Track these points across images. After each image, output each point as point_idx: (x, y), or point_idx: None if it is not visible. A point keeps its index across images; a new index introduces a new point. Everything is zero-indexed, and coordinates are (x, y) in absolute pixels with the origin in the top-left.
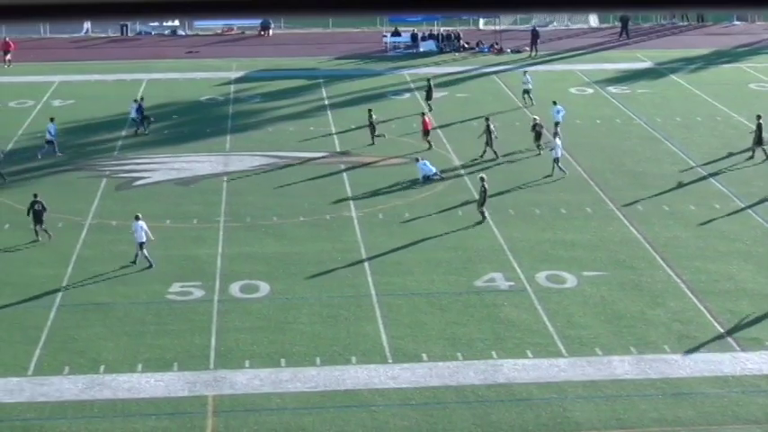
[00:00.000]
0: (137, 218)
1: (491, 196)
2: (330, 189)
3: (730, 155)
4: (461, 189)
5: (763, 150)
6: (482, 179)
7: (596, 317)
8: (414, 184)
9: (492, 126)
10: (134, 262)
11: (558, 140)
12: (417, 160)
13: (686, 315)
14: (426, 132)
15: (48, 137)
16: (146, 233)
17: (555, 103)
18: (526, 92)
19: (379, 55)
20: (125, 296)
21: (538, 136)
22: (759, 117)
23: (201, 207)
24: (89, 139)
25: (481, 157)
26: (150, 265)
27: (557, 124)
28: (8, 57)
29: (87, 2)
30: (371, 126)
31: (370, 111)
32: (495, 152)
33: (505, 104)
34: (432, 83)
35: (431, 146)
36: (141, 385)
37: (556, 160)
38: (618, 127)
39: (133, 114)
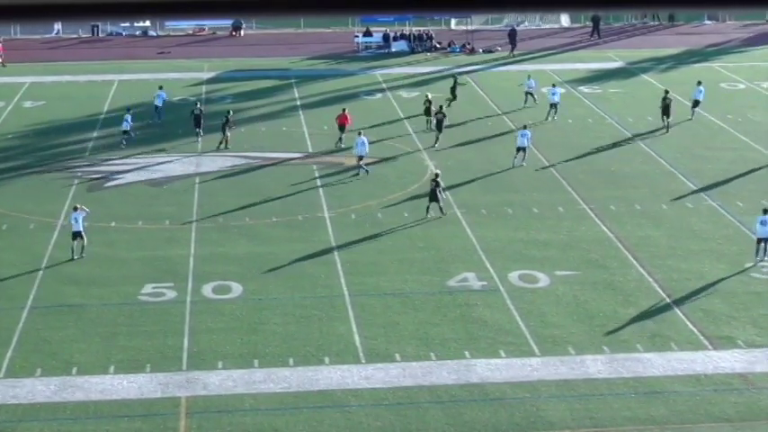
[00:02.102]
0: (75, 208)
1: (447, 193)
2: (303, 189)
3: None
4: None
5: (667, 123)
6: (436, 175)
7: (569, 316)
8: (387, 184)
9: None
10: (73, 257)
11: (527, 130)
12: (359, 134)
13: (658, 314)
14: (342, 127)
15: (156, 102)
16: (80, 221)
17: (554, 85)
18: (529, 94)
19: (351, 55)
20: (97, 297)
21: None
22: (667, 92)
23: (174, 208)
24: (60, 141)
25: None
26: (72, 258)
27: (552, 105)
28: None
29: (85, 2)
30: (225, 127)
31: (228, 112)
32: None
33: (478, 105)
34: (457, 79)
35: (339, 142)
36: (114, 387)
37: (521, 149)
38: (590, 126)
39: (158, 102)
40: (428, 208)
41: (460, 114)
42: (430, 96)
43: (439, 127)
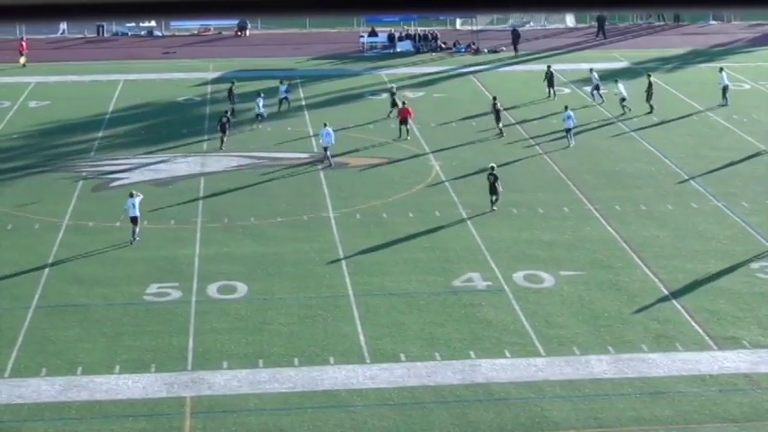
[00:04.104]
0: (131, 195)
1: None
2: (307, 189)
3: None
4: (439, 190)
5: (651, 104)
6: (492, 168)
7: (574, 316)
8: (392, 184)
9: (499, 105)
10: (133, 241)
11: (570, 111)
12: (325, 125)
13: (663, 314)
14: (405, 121)
15: (281, 96)
16: (137, 206)
17: (616, 81)
18: (623, 99)
19: (357, 55)
20: (102, 297)
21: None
22: (649, 75)
23: (179, 208)
24: (65, 141)
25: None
26: (131, 241)
27: (622, 100)
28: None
29: (88, 2)
30: (226, 127)
31: (226, 112)
32: (500, 129)
33: (483, 105)
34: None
35: (401, 135)
36: (119, 387)
37: (567, 130)
38: (595, 126)
39: (283, 94)
40: (492, 201)
41: (463, 114)
42: (394, 88)
43: (498, 117)
